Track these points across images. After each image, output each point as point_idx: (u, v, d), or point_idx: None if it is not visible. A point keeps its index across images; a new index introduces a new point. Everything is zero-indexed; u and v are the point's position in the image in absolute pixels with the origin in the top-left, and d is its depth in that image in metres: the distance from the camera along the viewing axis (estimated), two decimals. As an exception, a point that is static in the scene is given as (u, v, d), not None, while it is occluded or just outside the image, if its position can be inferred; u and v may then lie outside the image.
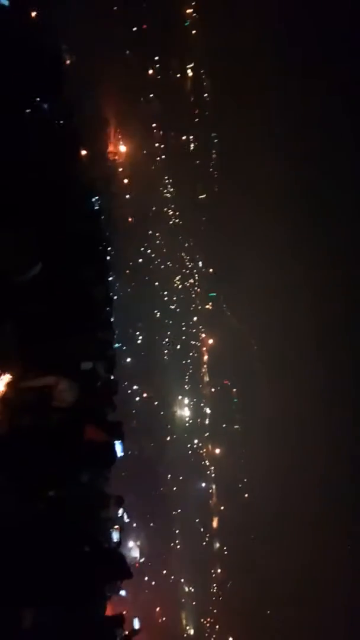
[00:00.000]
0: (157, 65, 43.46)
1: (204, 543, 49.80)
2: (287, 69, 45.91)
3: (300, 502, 48.01)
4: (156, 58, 43.12)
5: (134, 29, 39.23)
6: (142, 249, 44.33)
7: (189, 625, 46.04)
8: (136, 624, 11.20)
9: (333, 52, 45.28)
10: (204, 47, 46.08)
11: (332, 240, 50.09)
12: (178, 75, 46.31)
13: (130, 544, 35.35)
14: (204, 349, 53.53)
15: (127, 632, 8.76)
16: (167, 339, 47.61)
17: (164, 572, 42.17)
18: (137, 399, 41.51)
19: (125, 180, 41.06)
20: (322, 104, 46.67)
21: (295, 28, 44.51)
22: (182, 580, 45.52)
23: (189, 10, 45.37)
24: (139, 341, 42.40)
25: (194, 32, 45.91)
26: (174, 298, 49.02)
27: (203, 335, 53.44)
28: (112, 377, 10.15)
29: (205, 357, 53.73)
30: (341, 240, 50.16)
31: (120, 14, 36.23)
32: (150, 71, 43.25)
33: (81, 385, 5.08)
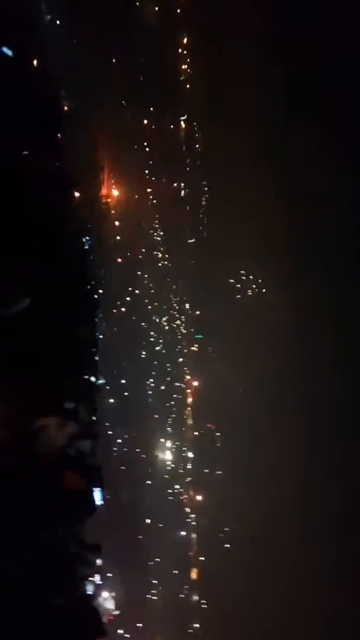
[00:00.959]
0: (152, 115, 45.18)
1: (182, 595, 47.80)
2: (276, 120, 47.94)
3: (284, 554, 46.61)
4: (151, 109, 44.90)
5: (131, 80, 41.02)
6: (129, 289, 44.63)
7: None
8: None
9: (325, 103, 47.33)
10: (197, 100, 48.23)
11: (318, 281, 50.91)
12: (171, 125, 48.14)
13: (105, 594, 33.81)
14: (189, 391, 53.08)
15: None
16: (151, 380, 47.21)
17: (139, 625, 40.23)
18: (119, 440, 40.67)
19: (117, 223, 41.81)
20: (312, 152, 48.37)
21: (284, 79, 46.78)
22: (159, 634, 43.38)
23: (184, 66, 47.67)
24: (122, 381, 41.98)
25: (188, 86, 48.12)
26: (160, 339, 48.98)
27: (188, 377, 53.11)
28: (93, 419, 9.95)
29: (190, 400, 53.20)
30: (329, 283, 50.99)
31: (118, 65, 37.94)
32: (145, 121, 44.92)
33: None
